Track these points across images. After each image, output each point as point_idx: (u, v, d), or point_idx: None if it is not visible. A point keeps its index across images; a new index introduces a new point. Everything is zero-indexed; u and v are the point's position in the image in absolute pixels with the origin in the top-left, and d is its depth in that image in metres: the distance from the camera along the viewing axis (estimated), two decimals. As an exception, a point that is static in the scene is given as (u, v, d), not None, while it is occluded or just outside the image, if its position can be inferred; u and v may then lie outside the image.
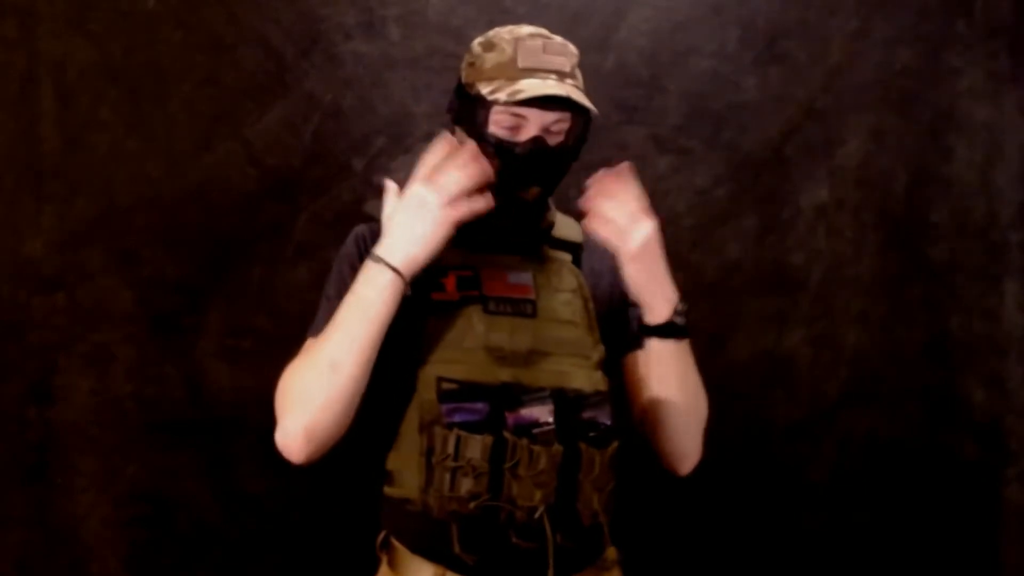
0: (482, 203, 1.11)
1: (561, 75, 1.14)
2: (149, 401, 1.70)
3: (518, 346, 1.15)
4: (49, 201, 1.68)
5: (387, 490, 1.19)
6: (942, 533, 1.91)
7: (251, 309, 1.72)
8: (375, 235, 1.22)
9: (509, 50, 1.15)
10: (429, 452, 1.10)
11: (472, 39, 1.22)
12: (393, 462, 1.17)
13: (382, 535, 1.21)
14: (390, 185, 1.16)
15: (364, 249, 1.20)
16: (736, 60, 1.85)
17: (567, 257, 1.26)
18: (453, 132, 1.21)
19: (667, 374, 1.21)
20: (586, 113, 1.16)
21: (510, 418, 1.10)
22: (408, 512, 1.14)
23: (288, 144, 1.73)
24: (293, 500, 1.71)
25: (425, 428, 1.11)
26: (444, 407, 1.10)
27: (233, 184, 1.72)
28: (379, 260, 1.10)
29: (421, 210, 1.09)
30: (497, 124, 1.14)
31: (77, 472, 1.69)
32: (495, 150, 1.14)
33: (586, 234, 1.29)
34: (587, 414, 1.14)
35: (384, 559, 1.20)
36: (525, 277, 1.20)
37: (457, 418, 1.09)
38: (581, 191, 1.16)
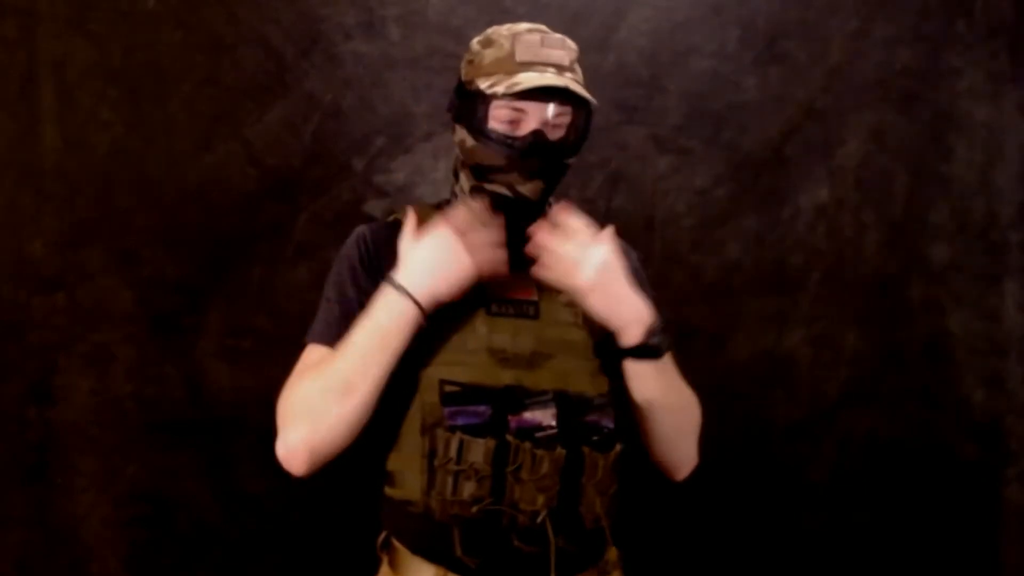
0: (503, 262, 1.14)
1: (560, 68, 1.14)
2: (149, 401, 1.70)
3: (520, 348, 1.15)
4: (49, 201, 1.68)
5: (388, 491, 1.19)
6: (942, 533, 1.91)
7: (251, 309, 1.72)
8: (375, 235, 1.22)
9: (507, 45, 1.15)
10: (431, 455, 1.10)
11: (472, 39, 1.22)
12: (394, 463, 1.17)
13: (383, 535, 1.21)
14: (410, 213, 1.17)
15: (365, 251, 1.20)
16: (736, 60, 1.85)
17: None
18: (453, 131, 1.21)
19: (648, 391, 1.19)
20: (586, 107, 1.15)
21: (513, 421, 1.10)
22: (409, 514, 1.14)
23: (288, 144, 1.73)
24: (293, 500, 1.71)
25: (427, 430, 1.11)
26: (447, 410, 1.10)
27: (233, 184, 1.72)
28: (402, 290, 1.10)
29: (451, 254, 1.11)
30: (497, 119, 1.14)
31: (77, 472, 1.69)
32: (495, 145, 1.14)
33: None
34: (590, 417, 1.14)
35: (385, 559, 1.20)
36: (527, 279, 1.20)
37: (460, 421, 1.09)
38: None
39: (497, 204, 1.17)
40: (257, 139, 1.72)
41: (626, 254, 1.31)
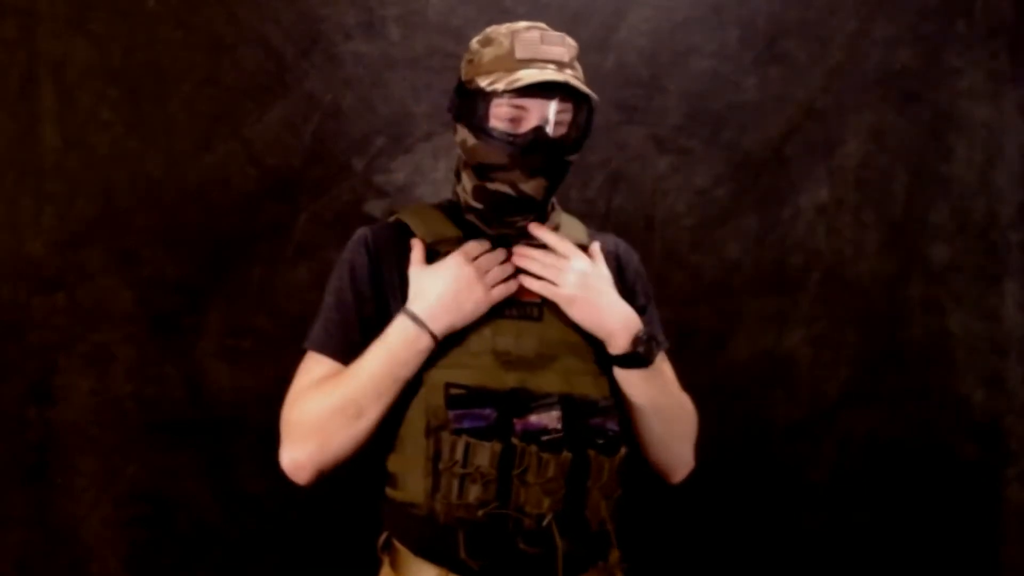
0: (514, 287, 1.17)
1: (560, 65, 1.14)
2: (149, 401, 1.70)
3: (525, 350, 1.15)
4: (49, 201, 1.67)
5: (390, 492, 1.18)
6: (942, 533, 1.91)
7: (251, 309, 1.72)
8: (376, 237, 1.22)
9: (507, 43, 1.15)
10: (436, 457, 1.10)
11: (472, 39, 1.22)
12: (396, 465, 1.17)
13: (384, 536, 1.20)
14: (417, 244, 1.19)
15: (365, 255, 1.20)
16: (736, 60, 1.85)
17: None
18: (454, 131, 1.21)
19: (638, 397, 1.21)
20: (587, 103, 1.15)
21: (518, 424, 1.10)
22: (412, 515, 1.14)
23: (288, 144, 1.73)
24: (293, 500, 1.70)
25: (432, 433, 1.11)
26: (452, 413, 1.10)
27: (233, 184, 1.72)
28: (419, 322, 1.12)
29: (466, 286, 1.14)
30: (497, 117, 1.14)
31: (77, 472, 1.69)
32: (497, 142, 1.13)
33: (591, 236, 1.29)
34: (595, 421, 1.14)
35: (386, 560, 1.20)
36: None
37: (465, 424, 1.09)
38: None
39: (500, 203, 1.17)
40: (257, 139, 1.72)
41: (628, 255, 1.31)
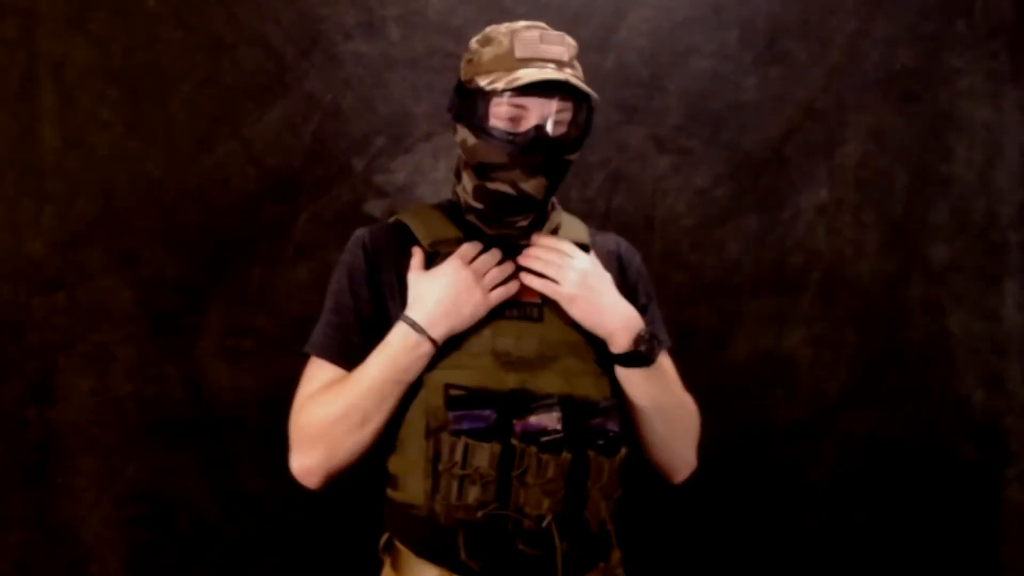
0: (514, 289, 1.17)
1: (559, 64, 1.14)
2: (149, 401, 1.70)
3: (525, 351, 1.15)
4: (49, 201, 1.67)
5: (390, 493, 1.19)
6: (942, 533, 1.91)
7: (251, 309, 1.72)
8: (373, 238, 1.22)
9: (506, 42, 1.15)
10: (435, 458, 1.11)
11: (472, 39, 1.22)
12: (396, 466, 1.17)
13: (385, 537, 1.20)
14: (417, 252, 1.19)
15: (363, 257, 1.20)
16: (736, 60, 1.85)
17: None
18: (454, 131, 1.21)
19: (640, 396, 1.21)
20: (587, 102, 1.15)
21: (518, 425, 1.10)
22: (413, 516, 1.14)
23: (288, 144, 1.73)
24: (293, 500, 1.70)
25: (431, 434, 1.11)
26: (452, 414, 1.10)
27: (233, 184, 1.72)
28: (419, 329, 1.13)
29: (465, 291, 1.14)
30: (497, 116, 1.14)
31: (77, 472, 1.69)
32: (497, 142, 1.13)
33: (593, 236, 1.29)
34: (596, 421, 1.14)
35: (387, 561, 1.20)
36: None
37: (465, 425, 1.09)
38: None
39: (500, 202, 1.17)
40: (257, 139, 1.72)
41: (629, 255, 1.31)
